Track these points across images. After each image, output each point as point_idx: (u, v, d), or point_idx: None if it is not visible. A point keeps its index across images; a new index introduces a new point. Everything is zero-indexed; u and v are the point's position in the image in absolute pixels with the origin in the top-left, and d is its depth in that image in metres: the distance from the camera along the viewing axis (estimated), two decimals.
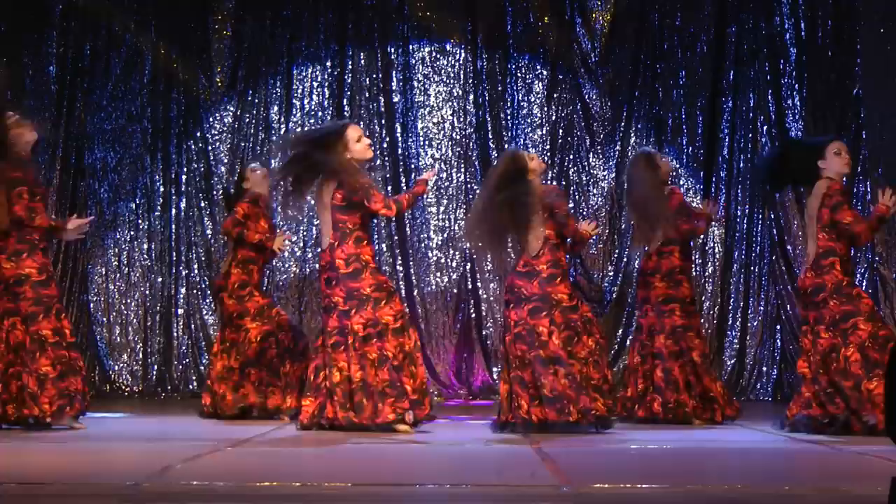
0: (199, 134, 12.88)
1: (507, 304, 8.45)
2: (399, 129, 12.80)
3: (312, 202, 8.41)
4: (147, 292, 12.73)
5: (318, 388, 8.18)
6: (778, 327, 12.56)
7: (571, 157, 12.78)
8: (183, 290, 12.75)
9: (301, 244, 12.71)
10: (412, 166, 12.71)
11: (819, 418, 8.24)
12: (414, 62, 12.97)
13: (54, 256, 12.00)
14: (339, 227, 8.17)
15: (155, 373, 12.59)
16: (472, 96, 12.95)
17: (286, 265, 12.60)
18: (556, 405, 8.04)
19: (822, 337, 8.31)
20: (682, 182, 12.58)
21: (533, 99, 12.97)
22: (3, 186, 8.21)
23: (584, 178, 12.81)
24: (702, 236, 11.72)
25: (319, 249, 8.44)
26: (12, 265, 8.27)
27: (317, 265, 12.50)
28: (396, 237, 12.73)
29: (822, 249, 8.37)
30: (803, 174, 8.70)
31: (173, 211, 12.81)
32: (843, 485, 5.52)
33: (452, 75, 12.97)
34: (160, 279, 12.75)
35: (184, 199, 12.83)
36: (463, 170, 12.87)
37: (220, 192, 12.57)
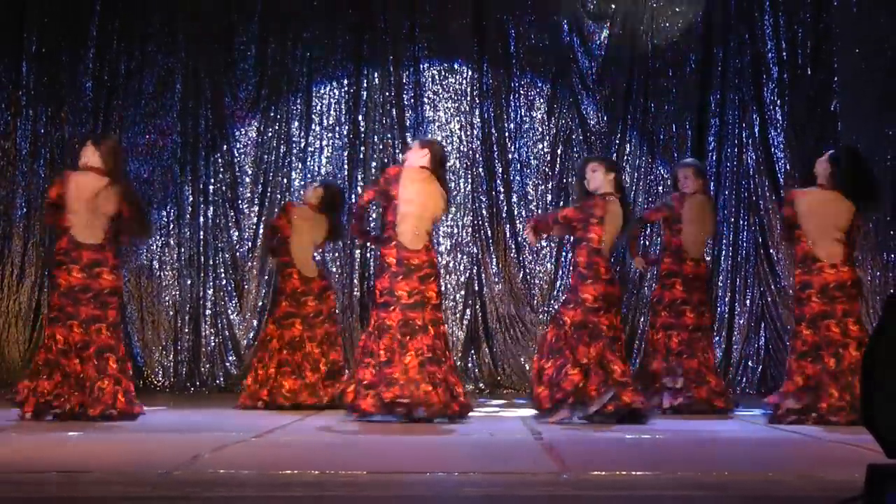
0: (225, 147, 12.88)
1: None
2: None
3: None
4: (177, 294, 12.73)
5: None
6: (763, 325, 12.56)
7: (570, 168, 12.76)
8: (211, 293, 12.74)
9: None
10: None
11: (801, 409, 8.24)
12: (424, 80, 12.97)
13: None
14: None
15: (185, 369, 12.59)
16: (478, 112, 12.95)
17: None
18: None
19: (852, 328, 8.29)
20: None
21: (535, 114, 12.97)
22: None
23: None
24: None
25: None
26: (113, 278, 8.32)
27: (333, 269, 12.62)
28: None
29: (850, 251, 8.41)
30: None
31: (202, 219, 12.80)
32: (823, 472, 5.52)
33: (460, 92, 12.97)
34: (189, 282, 12.74)
35: (211, 208, 12.83)
36: (469, 180, 12.87)
37: (245, 201, 12.68)
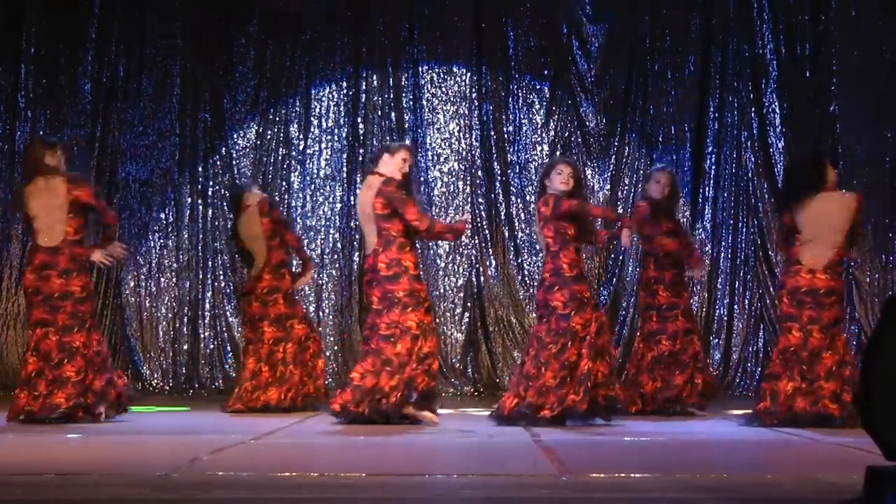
0: (224, 150, 12.88)
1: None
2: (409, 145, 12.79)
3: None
4: (176, 297, 12.72)
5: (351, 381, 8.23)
6: (762, 327, 12.56)
7: None
8: (209, 295, 12.74)
9: (319, 251, 12.71)
10: (422, 179, 12.70)
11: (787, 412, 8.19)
12: (423, 83, 12.97)
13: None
14: (383, 234, 8.22)
15: (183, 372, 12.59)
16: (476, 114, 12.94)
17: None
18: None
19: (815, 337, 8.21)
20: None
21: (533, 116, 12.97)
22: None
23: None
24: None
25: (364, 254, 8.49)
26: (62, 282, 8.28)
27: (333, 271, 12.65)
28: None
29: (839, 257, 8.26)
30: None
31: (200, 221, 12.80)
32: (822, 474, 5.51)
33: (459, 95, 12.97)
34: (188, 284, 12.74)
35: (210, 211, 12.83)
36: (469, 182, 12.87)
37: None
